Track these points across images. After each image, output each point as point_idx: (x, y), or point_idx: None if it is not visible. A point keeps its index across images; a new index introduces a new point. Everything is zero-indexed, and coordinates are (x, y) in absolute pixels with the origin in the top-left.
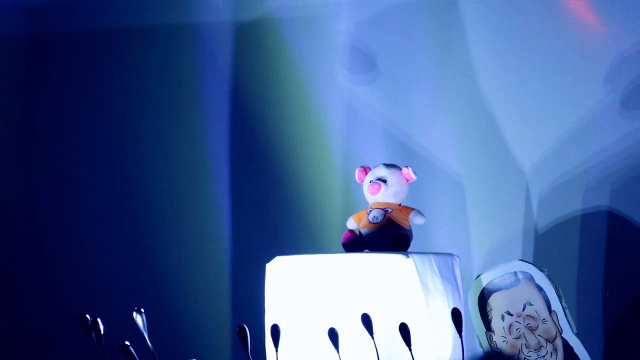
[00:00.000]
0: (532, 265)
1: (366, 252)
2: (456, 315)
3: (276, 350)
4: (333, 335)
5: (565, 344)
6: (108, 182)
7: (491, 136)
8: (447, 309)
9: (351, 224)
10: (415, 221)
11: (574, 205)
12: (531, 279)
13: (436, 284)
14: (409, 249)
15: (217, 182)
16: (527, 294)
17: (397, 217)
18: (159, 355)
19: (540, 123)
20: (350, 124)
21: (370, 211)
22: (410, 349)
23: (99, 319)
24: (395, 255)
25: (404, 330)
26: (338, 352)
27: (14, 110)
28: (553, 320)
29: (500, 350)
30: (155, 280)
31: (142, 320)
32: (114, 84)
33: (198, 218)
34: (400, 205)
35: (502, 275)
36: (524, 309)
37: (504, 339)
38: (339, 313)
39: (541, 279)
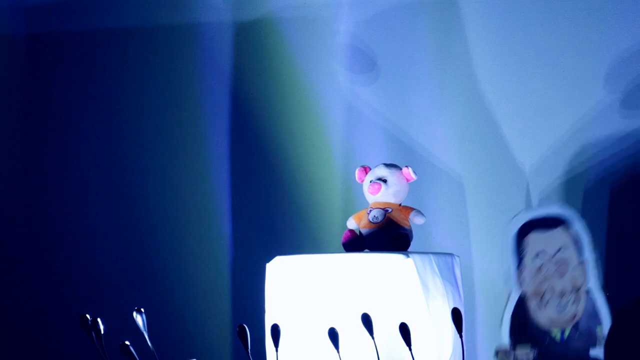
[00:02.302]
0: (572, 212)
1: (366, 252)
2: (456, 315)
3: (276, 350)
4: (333, 335)
5: (589, 296)
6: (108, 181)
7: (491, 136)
8: (447, 309)
9: (351, 223)
10: (415, 221)
11: (574, 205)
12: (569, 225)
13: (436, 284)
14: (409, 249)
15: (217, 182)
16: (563, 239)
17: (397, 217)
18: (159, 355)
19: (540, 123)
20: (350, 124)
21: (371, 211)
22: (410, 349)
23: (99, 319)
24: (396, 255)
25: (404, 330)
26: (338, 352)
27: (14, 110)
28: (582, 269)
29: (526, 291)
30: (155, 280)
31: (142, 320)
32: (114, 83)
33: (198, 218)
34: (400, 205)
35: (543, 217)
36: (556, 253)
37: (532, 280)
38: (339, 313)
39: (579, 227)
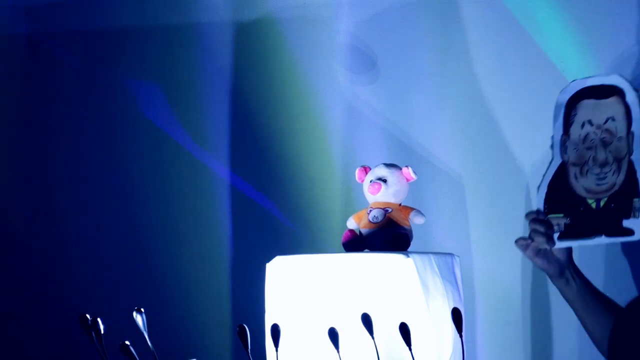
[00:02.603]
0: (628, 83)
1: (366, 252)
2: (456, 315)
3: (276, 350)
4: (333, 335)
5: (631, 168)
6: (108, 181)
7: (491, 136)
8: (447, 309)
9: (351, 223)
10: (415, 221)
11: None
12: (623, 95)
13: (436, 283)
14: (409, 249)
15: (217, 181)
16: (614, 109)
17: (398, 216)
18: (159, 355)
19: (540, 123)
20: (350, 124)
21: (371, 211)
22: (410, 349)
23: (99, 319)
24: (396, 255)
25: (404, 330)
26: (338, 352)
27: (13, 110)
28: (628, 140)
29: (567, 159)
30: (155, 280)
31: (142, 320)
32: (114, 83)
33: (198, 218)
34: (400, 205)
35: (598, 85)
36: (605, 122)
37: (575, 147)
38: (339, 313)
39: (632, 98)
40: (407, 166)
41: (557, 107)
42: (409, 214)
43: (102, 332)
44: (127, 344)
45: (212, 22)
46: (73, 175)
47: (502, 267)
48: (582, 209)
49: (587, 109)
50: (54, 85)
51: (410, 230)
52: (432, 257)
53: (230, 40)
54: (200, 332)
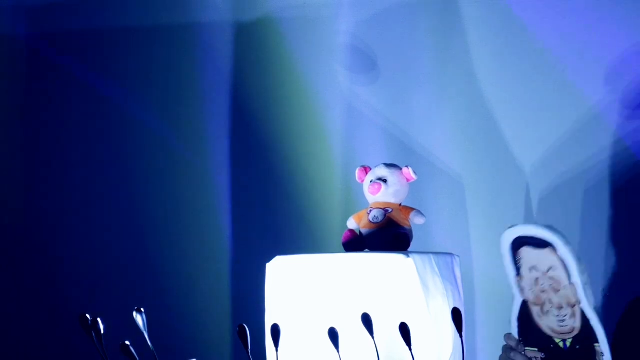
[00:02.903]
0: (557, 237)
1: (366, 252)
2: (456, 315)
3: (276, 350)
4: (333, 335)
5: (583, 314)
6: (108, 181)
7: (491, 136)
8: (447, 309)
9: (351, 223)
10: (415, 221)
11: (574, 205)
12: (555, 249)
13: (436, 283)
14: (409, 249)
15: (217, 181)
16: (551, 260)
17: (398, 216)
18: (159, 355)
19: (540, 123)
20: (350, 124)
21: (371, 211)
22: (410, 349)
23: (99, 319)
24: (396, 255)
25: (404, 330)
26: (338, 352)
27: (14, 110)
28: (573, 290)
29: (527, 298)
30: (155, 280)
31: (142, 320)
32: (114, 83)
33: (198, 218)
34: (400, 205)
35: (531, 236)
36: (547, 271)
37: (531, 288)
38: (339, 313)
39: (564, 252)
40: (407, 166)
41: (502, 249)
42: (409, 214)
43: (102, 332)
44: (127, 344)
45: (212, 22)
46: (73, 175)
47: (502, 267)
48: (552, 346)
49: (529, 256)
50: (53, 86)
51: (410, 230)
52: (432, 257)
53: (230, 40)
54: (200, 332)
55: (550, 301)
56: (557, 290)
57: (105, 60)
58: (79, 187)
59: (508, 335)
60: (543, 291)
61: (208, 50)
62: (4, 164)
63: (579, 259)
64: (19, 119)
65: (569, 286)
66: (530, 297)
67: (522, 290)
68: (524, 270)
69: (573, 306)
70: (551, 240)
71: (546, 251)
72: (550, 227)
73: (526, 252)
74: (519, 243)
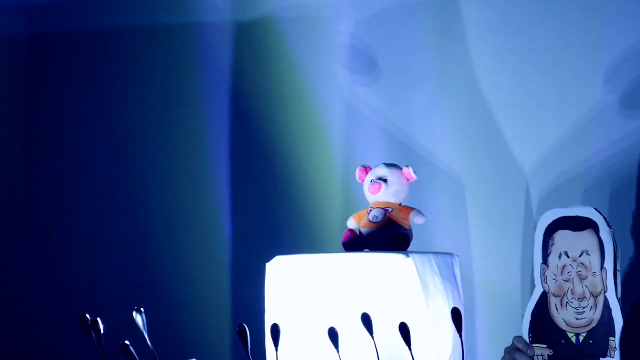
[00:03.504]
0: (602, 218)
1: (366, 252)
2: (456, 315)
3: (276, 350)
4: (333, 335)
5: (606, 304)
6: (108, 181)
7: (491, 136)
8: (447, 309)
9: (351, 223)
10: (415, 221)
11: (574, 205)
12: (597, 230)
13: (436, 283)
14: (409, 249)
15: (217, 181)
16: (589, 242)
17: (398, 216)
18: (159, 355)
19: (540, 123)
20: (350, 124)
21: (371, 211)
22: (410, 349)
23: (99, 319)
24: (396, 255)
25: (404, 330)
26: (338, 352)
27: (14, 110)
28: (602, 276)
29: (548, 289)
30: (155, 280)
31: (142, 320)
32: (114, 83)
33: (198, 218)
34: (400, 205)
35: (574, 216)
36: (580, 256)
37: (555, 278)
38: (339, 313)
39: (605, 234)
40: (407, 166)
41: (536, 234)
42: (409, 214)
43: (102, 332)
44: (127, 344)
45: (212, 22)
46: (73, 175)
47: (502, 267)
48: (563, 342)
49: (564, 240)
50: (54, 85)
51: (410, 230)
52: (432, 257)
53: (230, 40)
54: (200, 332)
55: (573, 292)
56: (583, 279)
57: (105, 61)
58: (79, 187)
59: (518, 338)
60: (567, 280)
61: (208, 50)
62: (4, 164)
63: (617, 245)
64: (19, 119)
65: (600, 272)
66: (552, 287)
67: (544, 280)
68: (553, 258)
69: (597, 296)
70: (596, 219)
71: (585, 233)
72: (595, 209)
73: (562, 235)
74: (556, 227)
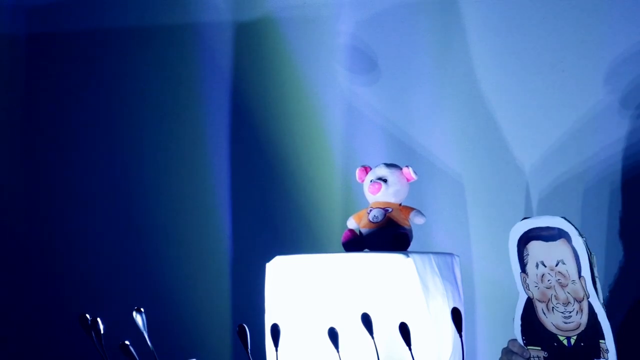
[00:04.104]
0: (573, 227)
1: (366, 252)
2: (456, 315)
3: (276, 350)
4: (333, 335)
5: (591, 309)
6: (108, 181)
7: (491, 136)
8: (447, 308)
9: (351, 223)
10: (415, 221)
11: (574, 205)
12: (569, 239)
13: (436, 283)
14: (409, 249)
15: (217, 181)
16: (562, 252)
17: (398, 216)
18: (159, 355)
19: (540, 123)
20: (350, 124)
21: (371, 210)
22: (410, 349)
23: (99, 319)
24: (396, 255)
25: (404, 330)
26: (338, 352)
27: (14, 110)
28: (581, 283)
29: (532, 295)
30: (155, 280)
31: (142, 320)
32: (114, 83)
33: (198, 218)
34: (400, 204)
35: (544, 227)
36: (556, 265)
37: (536, 285)
38: (339, 313)
39: (578, 242)
40: (407, 166)
41: (509, 245)
42: (409, 214)
43: (102, 332)
44: (127, 344)
45: (212, 22)
46: (73, 175)
47: (502, 267)
48: (555, 344)
49: (538, 250)
50: (54, 85)
51: (410, 230)
52: (432, 257)
53: (230, 40)
54: (200, 332)
55: (556, 297)
56: (564, 286)
57: (105, 61)
58: (79, 187)
59: (512, 342)
60: (549, 287)
61: (208, 50)
62: (4, 163)
63: (591, 252)
64: (19, 119)
65: (578, 280)
66: (535, 293)
67: (527, 287)
68: (530, 267)
69: (580, 301)
70: (567, 229)
71: (558, 243)
72: (564, 218)
73: (534, 246)
74: (528, 237)
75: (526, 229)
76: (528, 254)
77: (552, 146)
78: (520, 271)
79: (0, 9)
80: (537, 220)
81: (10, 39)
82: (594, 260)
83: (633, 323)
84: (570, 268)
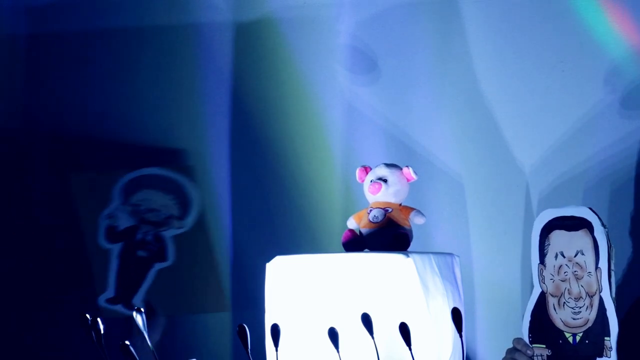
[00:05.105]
0: (597, 218)
1: (366, 252)
2: (456, 315)
3: (276, 350)
4: (333, 335)
5: (601, 303)
6: (108, 181)
7: (491, 136)
8: (447, 308)
9: (351, 223)
10: (415, 221)
11: (574, 205)
12: (591, 229)
13: (436, 283)
14: (409, 249)
15: (217, 181)
16: (583, 242)
17: (398, 216)
18: (159, 355)
19: (540, 123)
20: (350, 124)
21: (371, 211)
22: (410, 349)
23: (99, 319)
24: (396, 255)
25: (404, 330)
26: (338, 352)
27: (14, 110)
28: (597, 276)
29: (546, 289)
30: (156, 280)
31: (142, 320)
32: (114, 83)
33: (198, 218)
34: (400, 205)
35: (569, 216)
36: (575, 255)
37: (552, 277)
38: (339, 313)
39: (599, 233)
40: (407, 166)
41: (532, 234)
42: (409, 214)
43: (102, 332)
44: (127, 344)
45: (212, 22)
46: (73, 174)
47: (502, 267)
48: (561, 341)
49: (559, 240)
50: (54, 85)
51: (410, 230)
52: (432, 257)
53: (230, 40)
54: (201, 332)
55: (569, 291)
56: (579, 278)
57: (105, 61)
58: (79, 187)
59: (517, 339)
60: (564, 280)
61: (208, 50)
62: (4, 163)
63: (611, 245)
64: (19, 118)
65: (594, 272)
66: (549, 287)
67: (542, 280)
68: (549, 258)
69: (592, 296)
70: (590, 219)
71: (580, 233)
72: (590, 208)
73: (557, 235)
74: (551, 226)
75: (551, 217)
76: (549, 244)
77: (552, 146)
78: (538, 262)
79: (0, 9)
80: (562, 209)
81: (10, 39)
82: (613, 253)
83: (633, 322)
84: (588, 259)
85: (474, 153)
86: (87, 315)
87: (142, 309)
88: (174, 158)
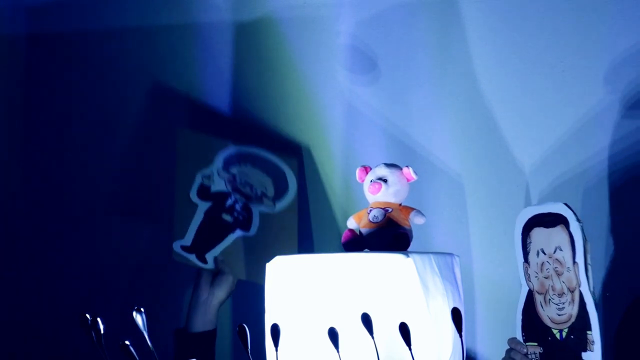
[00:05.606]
0: (571, 212)
1: (366, 252)
2: (456, 315)
3: (276, 350)
4: (333, 335)
5: (581, 298)
6: (108, 181)
7: (491, 136)
8: (447, 308)
9: (351, 223)
10: (415, 221)
11: (574, 205)
12: (567, 224)
13: (436, 283)
14: (409, 249)
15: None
16: (560, 238)
17: (398, 216)
18: (159, 355)
19: (540, 123)
20: (350, 124)
21: (371, 210)
22: (410, 349)
23: (99, 319)
24: (395, 255)
25: (404, 330)
26: (338, 352)
27: (14, 110)
28: (575, 271)
29: (532, 287)
30: (155, 280)
31: (142, 320)
32: (114, 83)
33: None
34: (400, 204)
35: (546, 213)
36: (554, 252)
37: (536, 275)
38: (339, 313)
39: (575, 228)
40: (407, 166)
41: (515, 233)
42: (409, 214)
43: (102, 332)
44: (127, 344)
45: (212, 22)
46: (73, 175)
47: (502, 267)
48: (549, 338)
49: (539, 237)
50: (54, 85)
51: (410, 230)
52: (432, 257)
53: (230, 40)
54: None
55: (553, 288)
56: (560, 274)
57: (105, 61)
58: (80, 186)
59: (511, 339)
60: (547, 277)
61: (208, 50)
62: (4, 163)
63: (586, 239)
64: (19, 118)
65: (573, 267)
66: (535, 285)
67: (528, 278)
68: (532, 255)
69: (573, 291)
70: (566, 214)
71: (557, 229)
72: (565, 204)
73: (537, 233)
74: (532, 224)
75: (530, 216)
76: (531, 242)
77: (552, 146)
78: (523, 261)
79: (0, 9)
80: (540, 206)
81: (10, 39)
82: (588, 247)
83: (631, 321)
84: (566, 255)
85: (473, 153)
86: (87, 315)
87: (142, 309)
88: (174, 158)
